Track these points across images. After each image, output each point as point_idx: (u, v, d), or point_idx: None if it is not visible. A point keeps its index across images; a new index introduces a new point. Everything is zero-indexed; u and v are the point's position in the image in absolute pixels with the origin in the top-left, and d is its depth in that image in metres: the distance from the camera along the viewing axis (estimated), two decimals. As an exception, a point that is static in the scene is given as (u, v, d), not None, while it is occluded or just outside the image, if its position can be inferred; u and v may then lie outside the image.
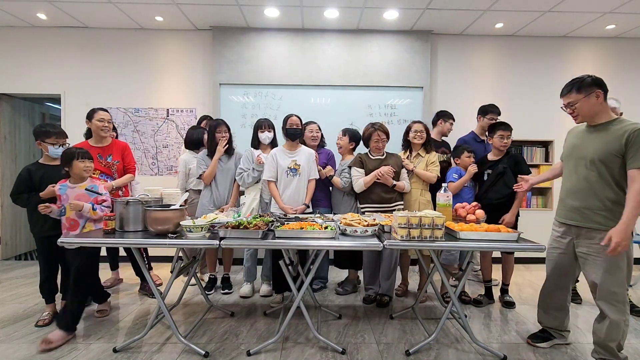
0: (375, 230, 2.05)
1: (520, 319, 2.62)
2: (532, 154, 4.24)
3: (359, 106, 4.06)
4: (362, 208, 2.88)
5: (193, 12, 3.65)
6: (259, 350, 2.07)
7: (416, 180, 2.93)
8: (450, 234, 2.03)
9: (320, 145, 3.23)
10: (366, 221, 2.12)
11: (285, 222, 2.18)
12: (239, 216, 2.37)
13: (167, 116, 4.04)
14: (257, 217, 2.29)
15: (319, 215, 2.57)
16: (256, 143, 3.08)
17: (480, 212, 2.30)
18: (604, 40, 4.12)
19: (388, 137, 2.93)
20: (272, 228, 2.04)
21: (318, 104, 4.05)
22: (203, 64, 4.06)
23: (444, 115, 3.45)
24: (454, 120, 3.48)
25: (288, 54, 4.02)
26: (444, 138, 3.49)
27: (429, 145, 2.98)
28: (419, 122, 3.01)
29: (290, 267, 2.23)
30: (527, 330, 2.41)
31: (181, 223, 1.95)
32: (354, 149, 3.20)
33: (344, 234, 2.05)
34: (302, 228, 2.01)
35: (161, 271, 3.69)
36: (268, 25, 3.93)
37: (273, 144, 3.10)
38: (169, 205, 2.16)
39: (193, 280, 2.61)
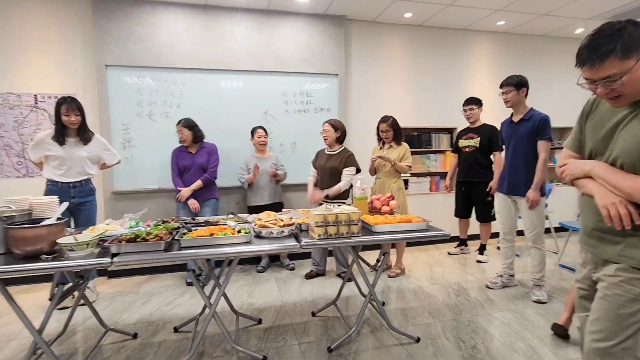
0: (292, 230, 2.06)
1: (431, 300, 2.93)
2: (439, 140, 4.71)
3: (273, 93, 4.00)
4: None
5: (63, -24, 3.12)
6: (169, 373, 1.95)
7: (390, 170, 3.38)
8: (367, 228, 2.15)
9: (197, 140, 3.45)
10: (282, 221, 2.12)
11: (193, 228, 2.06)
12: (137, 225, 2.17)
13: (36, 103, 3.43)
14: (158, 225, 2.12)
15: (231, 216, 2.48)
16: None
17: (394, 203, 2.48)
18: (496, 35, 4.72)
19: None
20: (177, 237, 1.90)
21: (228, 90, 3.87)
22: (82, 41, 3.53)
23: (463, 103, 3.87)
24: (466, 105, 3.84)
25: (191, 33, 3.73)
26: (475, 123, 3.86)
27: (399, 137, 3.42)
28: (384, 121, 3.39)
29: (201, 277, 2.12)
30: (438, 310, 2.72)
31: (59, 241, 1.69)
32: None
33: (259, 236, 2.02)
34: (212, 234, 1.92)
35: (39, 294, 3.21)
36: (164, -2, 3.58)
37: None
38: (42, 220, 1.86)
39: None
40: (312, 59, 4.05)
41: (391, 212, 2.45)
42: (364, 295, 2.84)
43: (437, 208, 4.59)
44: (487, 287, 3.17)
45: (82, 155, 2.84)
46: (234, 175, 3.73)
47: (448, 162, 4.51)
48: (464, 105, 3.83)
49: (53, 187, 2.75)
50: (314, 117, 4.11)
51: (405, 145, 3.41)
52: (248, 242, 1.90)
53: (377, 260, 2.40)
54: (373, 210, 2.50)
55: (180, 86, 3.74)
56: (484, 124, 3.79)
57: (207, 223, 2.21)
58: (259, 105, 3.95)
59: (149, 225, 2.18)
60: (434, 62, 4.54)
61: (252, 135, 3.65)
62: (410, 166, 3.36)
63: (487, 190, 3.72)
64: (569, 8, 3.99)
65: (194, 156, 3.38)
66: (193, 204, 3.30)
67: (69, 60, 3.51)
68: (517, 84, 2.83)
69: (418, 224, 2.16)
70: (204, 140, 3.49)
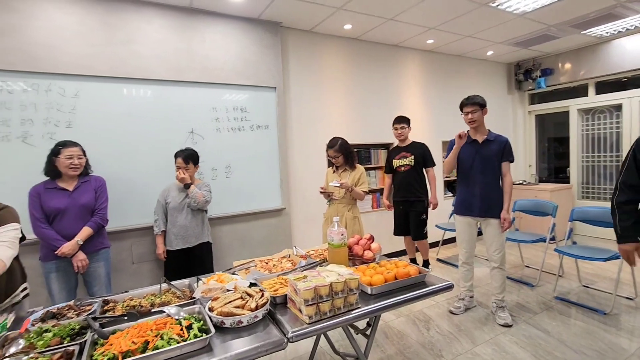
0: (266, 310, 1.39)
1: (405, 341, 2.52)
2: (377, 156, 4.41)
3: (201, 108, 3.16)
4: None
5: None
6: None
7: (345, 196, 2.89)
8: (361, 290, 1.59)
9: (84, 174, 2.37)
10: (249, 296, 1.43)
11: (109, 329, 1.23)
12: (4, 330, 1.25)
13: None
14: (46, 331, 1.23)
15: (165, 287, 1.66)
16: None
17: (375, 246, 1.97)
18: (423, 53, 4.63)
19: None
20: (84, 351, 1.08)
21: (140, 104, 2.91)
22: None
23: (394, 122, 3.58)
24: (397, 123, 3.52)
25: (83, 30, 2.68)
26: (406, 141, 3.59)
27: (351, 161, 2.93)
28: (331, 146, 2.89)
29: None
30: (417, 354, 2.31)
31: None
32: None
33: (219, 327, 1.30)
34: (147, 342, 1.15)
35: None
36: (39, -22, 2.49)
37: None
38: None
39: None
40: (246, 70, 3.33)
41: (374, 259, 1.94)
42: (337, 353, 2.28)
43: (381, 225, 4.28)
44: (451, 312, 2.90)
45: None
46: (139, 214, 2.86)
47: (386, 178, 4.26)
48: (395, 124, 3.55)
49: None
50: (250, 135, 3.40)
51: (360, 168, 2.96)
52: (205, 350, 1.18)
53: (368, 323, 1.86)
54: (353, 258, 1.95)
55: (72, 98, 2.66)
56: (413, 141, 3.59)
57: (131, 315, 1.37)
58: (182, 121, 3.08)
59: (27, 331, 1.27)
60: (369, 77, 4.22)
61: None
62: (366, 192, 2.92)
63: (426, 207, 3.54)
64: (487, 32, 4.06)
65: (71, 194, 2.25)
66: (81, 261, 2.22)
67: None
68: (481, 104, 2.62)
69: (417, 276, 1.69)
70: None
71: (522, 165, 5.79)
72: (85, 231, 2.24)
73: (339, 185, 2.76)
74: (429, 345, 2.45)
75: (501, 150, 2.65)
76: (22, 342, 1.18)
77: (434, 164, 3.55)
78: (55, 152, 2.23)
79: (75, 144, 2.28)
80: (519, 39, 4.33)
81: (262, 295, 1.43)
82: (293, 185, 3.70)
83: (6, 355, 1.10)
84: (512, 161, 2.66)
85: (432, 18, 3.55)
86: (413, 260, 3.92)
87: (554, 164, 5.73)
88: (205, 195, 2.66)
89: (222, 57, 3.21)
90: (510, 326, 2.64)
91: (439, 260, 4.35)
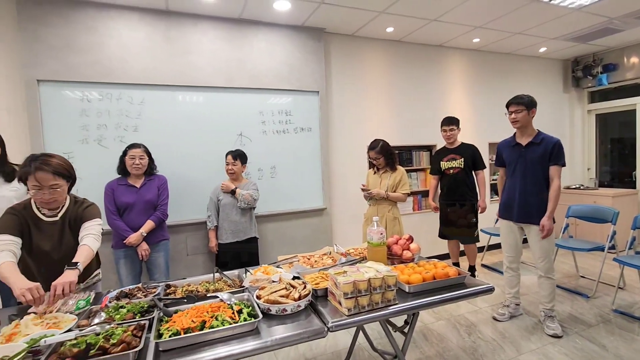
0: (308, 300, 1.49)
1: (445, 344, 2.49)
2: (419, 157, 4.37)
3: (248, 112, 3.36)
4: None
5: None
6: None
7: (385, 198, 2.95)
8: (399, 287, 1.64)
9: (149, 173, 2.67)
10: (293, 287, 1.54)
11: (172, 308, 1.40)
12: (88, 304, 1.47)
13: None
14: (121, 307, 1.43)
15: (217, 275, 1.83)
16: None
17: (415, 246, 2.00)
18: (470, 52, 4.51)
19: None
20: (152, 326, 1.25)
21: (194, 110, 3.17)
22: (5, 50, 2.65)
23: (443, 123, 3.50)
24: (446, 125, 3.46)
25: (149, 44, 2.99)
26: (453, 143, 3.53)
27: (392, 163, 2.97)
28: (372, 148, 2.95)
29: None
30: (457, 358, 2.28)
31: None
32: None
33: (266, 313, 1.42)
34: (204, 322, 1.29)
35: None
36: None
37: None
38: None
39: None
40: (291, 75, 3.49)
41: (412, 259, 1.97)
42: (375, 350, 2.33)
43: (422, 227, 4.23)
44: (495, 319, 2.82)
45: (6, 195, 2.03)
46: (194, 210, 3.12)
47: (429, 180, 4.19)
48: (444, 125, 3.47)
49: None
50: (294, 137, 3.54)
51: (401, 170, 2.98)
52: (253, 333, 1.30)
53: (406, 322, 1.90)
54: (392, 257, 1.99)
55: (138, 105, 2.98)
56: (462, 143, 3.50)
57: (190, 299, 1.54)
58: (232, 125, 3.30)
59: (106, 306, 1.49)
60: (411, 78, 4.19)
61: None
62: (408, 193, 2.94)
63: (476, 210, 3.45)
64: (540, 28, 3.86)
65: (138, 190, 2.55)
66: (144, 250, 2.51)
67: (-14, 74, 2.62)
68: (528, 104, 2.51)
69: (456, 278, 1.70)
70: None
71: (580, 168, 5.39)
72: (149, 224, 2.51)
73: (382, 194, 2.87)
74: (470, 350, 2.41)
75: (547, 153, 2.49)
76: (103, 315, 1.39)
77: (484, 166, 3.45)
78: (124, 153, 2.55)
79: (138, 146, 2.57)
80: (576, 33, 4.06)
81: (305, 287, 1.53)
82: (334, 186, 3.79)
83: (92, 324, 1.31)
84: (562, 165, 2.47)
85: (478, 17, 3.46)
86: (456, 265, 3.84)
87: (617, 168, 5.26)
88: (253, 194, 2.85)
89: (268, 63, 3.40)
90: (560, 337, 2.51)
91: (483, 265, 4.20)
